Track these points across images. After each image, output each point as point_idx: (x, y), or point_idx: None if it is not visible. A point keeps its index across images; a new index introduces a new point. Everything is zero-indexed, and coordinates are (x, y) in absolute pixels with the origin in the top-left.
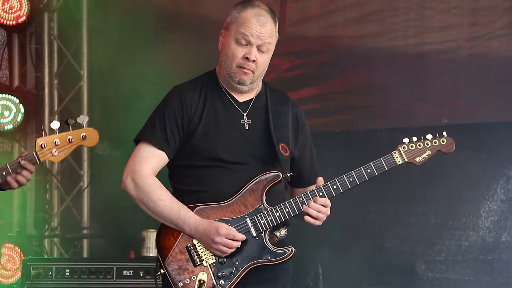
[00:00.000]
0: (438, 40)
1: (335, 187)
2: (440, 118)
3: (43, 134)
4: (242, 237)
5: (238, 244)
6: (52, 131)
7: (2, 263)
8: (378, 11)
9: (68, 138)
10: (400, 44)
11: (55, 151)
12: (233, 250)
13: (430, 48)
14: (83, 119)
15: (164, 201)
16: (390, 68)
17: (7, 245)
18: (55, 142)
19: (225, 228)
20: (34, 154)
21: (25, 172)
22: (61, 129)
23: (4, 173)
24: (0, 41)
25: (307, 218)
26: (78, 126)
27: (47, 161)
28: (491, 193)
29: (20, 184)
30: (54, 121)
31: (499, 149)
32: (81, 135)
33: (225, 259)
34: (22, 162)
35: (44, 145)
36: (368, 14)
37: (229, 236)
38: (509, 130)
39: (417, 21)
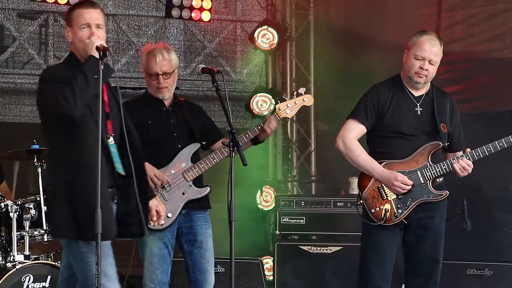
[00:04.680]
0: None
1: (476, 153)
2: None
3: (279, 102)
4: (411, 182)
5: (409, 187)
6: (283, 100)
7: (263, 197)
8: (502, 34)
9: (295, 102)
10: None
11: (288, 111)
12: (405, 190)
13: None
14: (302, 90)
15: (362, 156)
16: (508, 71)
17: (266, 186)
18: (287, 105)
19: (401, 176)
20: (276, 114)
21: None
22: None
23: (259, 127)
24: (260, 61)
25: (457, 171)
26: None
27: (288, 133)
28: None
29: (267, 134)
30: (284, 94)
31: None
32: (303, 99)
33: (402, 196)
34: (269, 117)
35: (280, 108)
36: (494, 36)
37: (403, 181)
38: None
39: None
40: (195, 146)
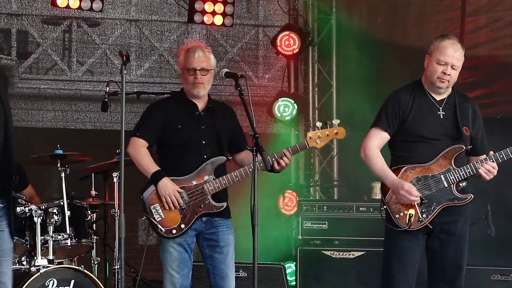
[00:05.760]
0: None
1: (500, 156)
2: None
3: (311, 129)
4: (418, 194)
5: (415, 198)
6: (315, 128)
7: (286, 202)
8: None
9: (327, 133)
10: None
11: (319, 141)
12: (410, 202)
13: None
14: (336, 122)
15: (378, 164)
16: None
17: (288, 191)
18: (318, 135)
19: (408, 185)
20: (306, 142)
21: (287, 159)
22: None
23: (273, 159)
24: (282, 66)
25: (482, 174)
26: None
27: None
28: None
29: (281, 167)
30: (318, 122)
31: None
32: (335, 132)
33: (426, 201)
34: (294, 147)
35: (311, 137)
36: None
37: (409, 191)
38: None
39: None
40: (220, 160)
